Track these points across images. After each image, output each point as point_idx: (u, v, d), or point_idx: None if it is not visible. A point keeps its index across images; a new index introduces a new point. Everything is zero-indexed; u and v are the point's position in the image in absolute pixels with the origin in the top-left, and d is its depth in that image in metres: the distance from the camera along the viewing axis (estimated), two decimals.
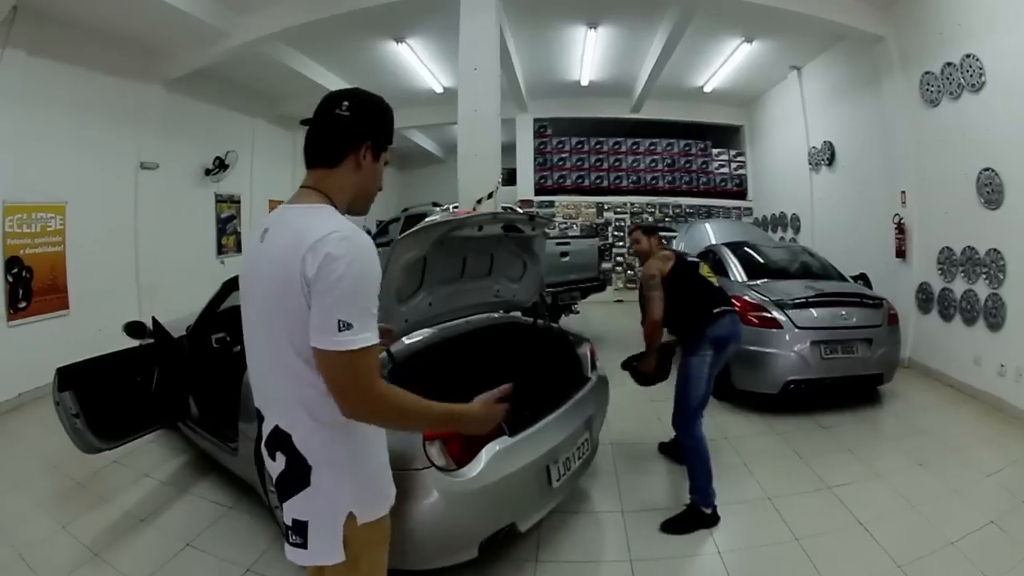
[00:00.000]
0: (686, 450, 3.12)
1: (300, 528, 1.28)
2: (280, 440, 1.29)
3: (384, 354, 2.34)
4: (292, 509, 1.30)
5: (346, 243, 1.19)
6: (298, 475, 1.27)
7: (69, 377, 2.88)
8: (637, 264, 3.63)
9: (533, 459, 2.39)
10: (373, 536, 1.34)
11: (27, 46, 5.09)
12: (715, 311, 3.26)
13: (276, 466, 1.31)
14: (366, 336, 1.19)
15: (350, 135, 1.32)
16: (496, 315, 3.45)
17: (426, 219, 2.47)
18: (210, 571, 2.68)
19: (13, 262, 5.09)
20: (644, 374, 3.35)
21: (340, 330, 1.16)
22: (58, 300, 5.58)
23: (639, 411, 4.50)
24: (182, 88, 7.05)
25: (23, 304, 5.20)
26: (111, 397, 3.08)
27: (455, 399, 2.24)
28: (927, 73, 5.44)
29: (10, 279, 5.06)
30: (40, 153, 5.38)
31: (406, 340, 2.77)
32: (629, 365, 3.45)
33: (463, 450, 2.16)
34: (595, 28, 7.02)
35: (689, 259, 3.55)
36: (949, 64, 5.11)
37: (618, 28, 7.09)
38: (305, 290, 1.19)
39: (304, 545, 1.28)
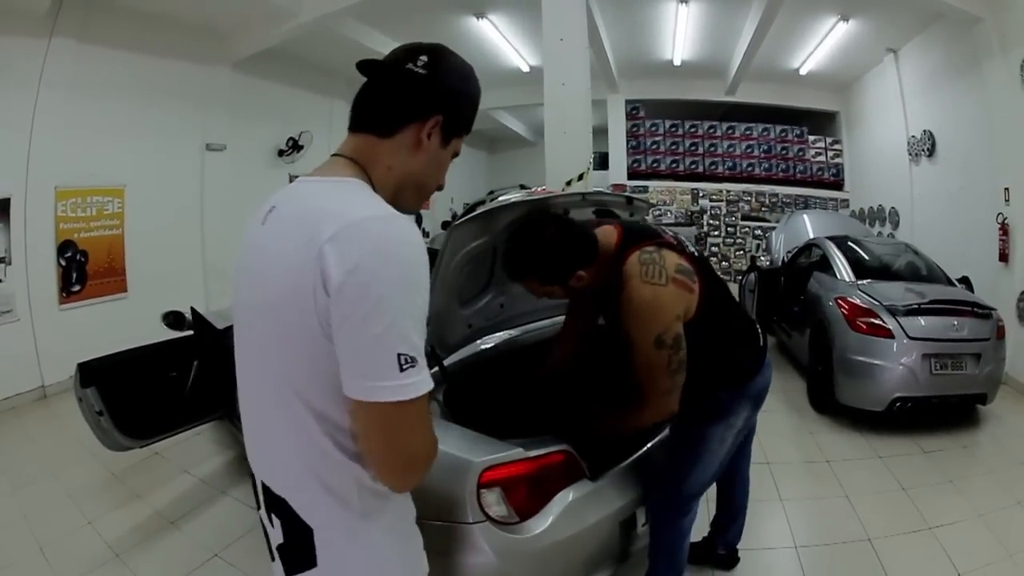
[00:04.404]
0: (659, 545, 1.95)
1: None
2: (274, 503, 0.93)
3: (436, 369, 1.90)
4: None
5: (390, 230, 0.80)
6: (300, 547, 0.92)
7: (91, 372, 2.68)
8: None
9: (618, 507, 1.85)
10: None
11: (76, 34, 5.03)
12: (761, 347, 2.03)
13: (275, 534, 0.96)
14: (427, 375, 0.82)
15: (419, 99, 0.95)
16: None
17: (495, 199, 2.01)
18: None
19: (67, 246, 5.09)
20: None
21: (403, 369, 0.77)
22: (115, 283, 5.58)
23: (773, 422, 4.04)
24: (251, 69, 6.82)
25: (76, 288, 5.21)
26: (140, 393, 2.87)
27: (516, 429, 1.81)
28: None
29: (63, 263, 5.07)
30: (95, 139, 5.35)
31: (464, 352, 2.30)
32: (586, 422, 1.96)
33: (529, 498, 1.66)
34: (686, 3, 6.59)
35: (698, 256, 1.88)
36: None
37: (710, 3, 6.64)
38: (321, 306, 0.78)
39: None
